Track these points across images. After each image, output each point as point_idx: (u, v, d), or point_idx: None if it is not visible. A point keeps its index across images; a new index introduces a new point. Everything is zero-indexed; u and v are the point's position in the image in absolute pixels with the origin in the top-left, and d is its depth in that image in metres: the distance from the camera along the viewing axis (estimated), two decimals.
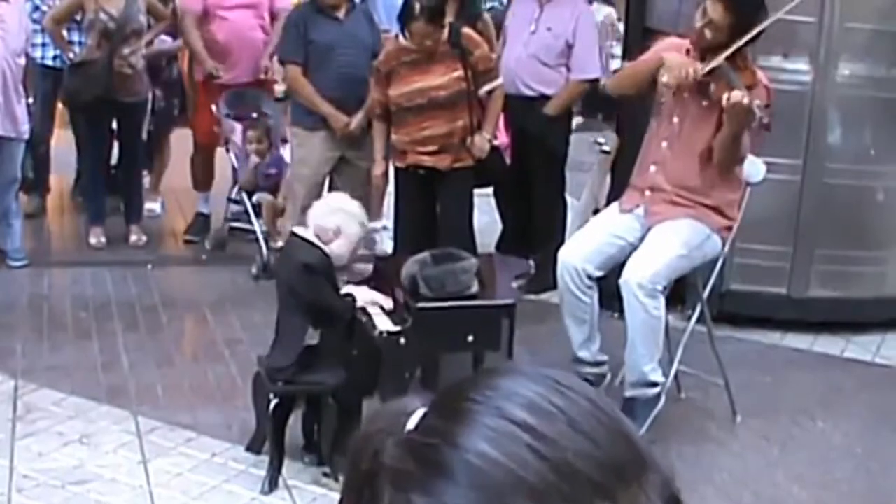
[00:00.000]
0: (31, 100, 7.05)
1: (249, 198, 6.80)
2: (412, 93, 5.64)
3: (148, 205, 7.96)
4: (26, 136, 6.72)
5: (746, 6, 4.48)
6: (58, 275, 6.78)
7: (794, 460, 4.72)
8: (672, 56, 4.57)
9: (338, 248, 4.19)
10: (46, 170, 7.64)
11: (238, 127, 6.98)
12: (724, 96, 4.33)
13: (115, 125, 7.27)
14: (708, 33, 4.52)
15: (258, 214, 6.79)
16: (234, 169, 7.01)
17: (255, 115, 6.97)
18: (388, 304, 4.32)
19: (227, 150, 7.05)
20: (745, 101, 4.29)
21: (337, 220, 4.16)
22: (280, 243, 6.58)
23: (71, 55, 7.03)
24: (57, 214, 7.85)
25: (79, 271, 6.76)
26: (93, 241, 7.26)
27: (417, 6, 5.48)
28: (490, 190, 6.60)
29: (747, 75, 4.44)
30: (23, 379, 5.14)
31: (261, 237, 6.73)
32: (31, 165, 7.55)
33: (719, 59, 4.45)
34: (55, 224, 7.76)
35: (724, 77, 4.43)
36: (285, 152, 6.93)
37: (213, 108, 6.97)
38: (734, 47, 4.43)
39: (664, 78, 4.48)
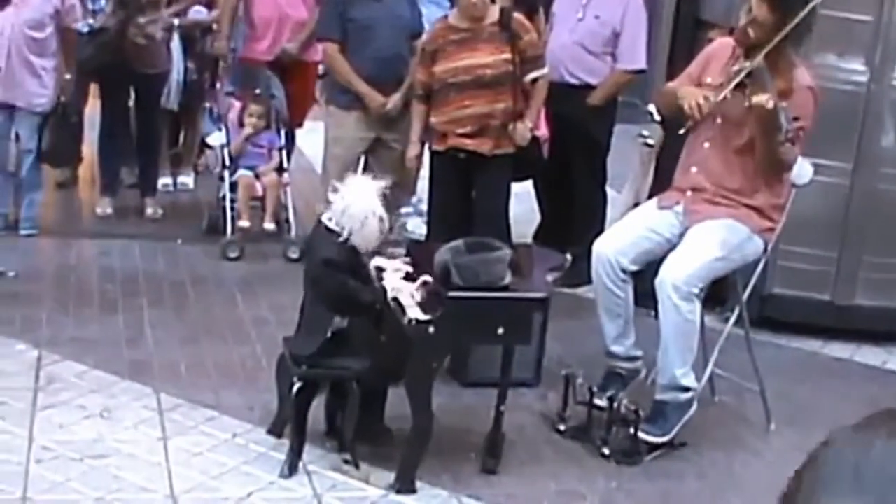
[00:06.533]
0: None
1: (232, 173, 6.67)
2: (458, 69, 5.56)
3: (181, 178, 7.90)
4: (39, 109, 6.57)
5: (791, 4, 4.36)
6: (86, 246, 6.72)
7: None
8: (684, 89, 4.53)
9: (362, 240, 4.08)
10: (79, 140, 7.54)
11: (237, 105, 6.84)
12: (751, 98, 4.26)
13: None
14: (751, 32, 4.44)
15: (234, 191, 6.65)
16: (226, 143, 6.79)
17: (258, 91, 6.82)
18: (416, 295, 4.16)
19: (221, 127, 6.89)
20: (770, 104, 4.19)
21: (353, 219, 4.03)
22: (245, 223, 6.50)
23: (91, 21, 6.93)
24: (88, 185, 7.78)
25: (107, 243, 6.67)
26: (98, 210, 7.19)
27: None
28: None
29: (784, 80, 4.31)
30: (46, 349, 5.09)
31: (229, 214, 6.60)
32: (49, 139, 7.37)
33: (738, 79, 4.37)
34: (86, 195, 7.69)
35: (760, 79, 4.32)
36: (282, 138, 6.85)
37: (217, 84, 6.86)
38: (767, 48, 4.32)
39: (685, 107, 4.43)
